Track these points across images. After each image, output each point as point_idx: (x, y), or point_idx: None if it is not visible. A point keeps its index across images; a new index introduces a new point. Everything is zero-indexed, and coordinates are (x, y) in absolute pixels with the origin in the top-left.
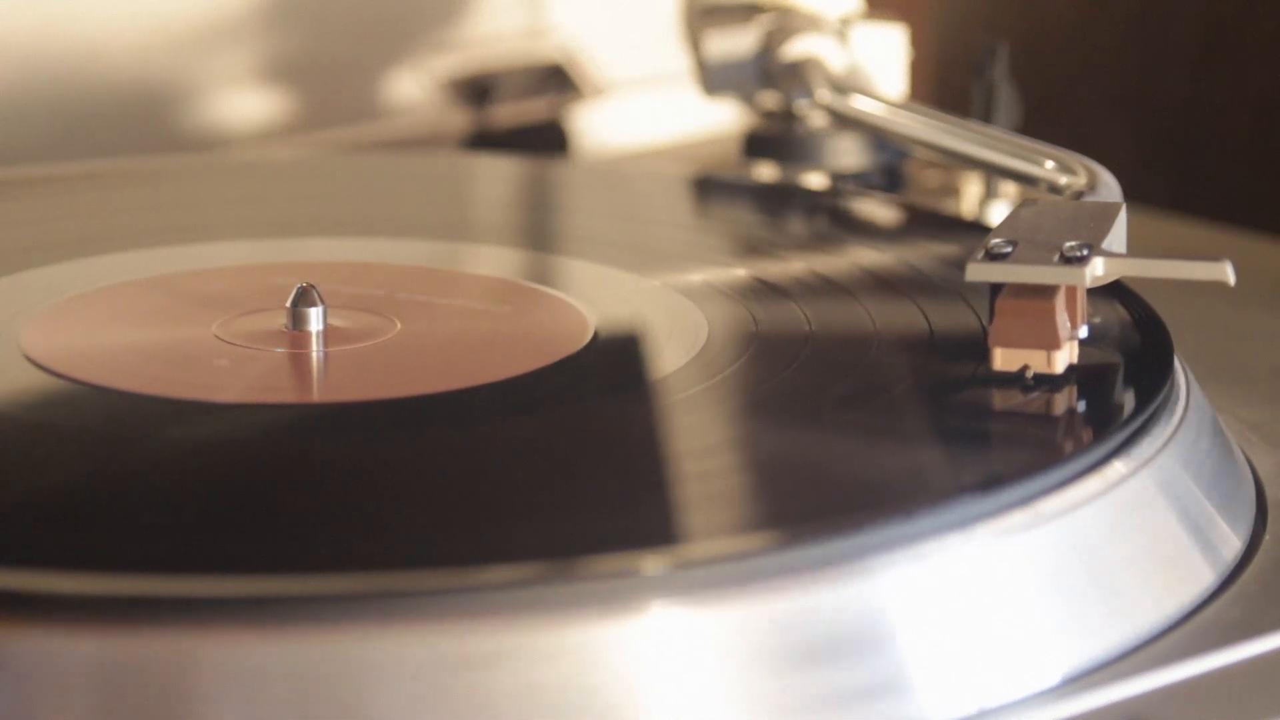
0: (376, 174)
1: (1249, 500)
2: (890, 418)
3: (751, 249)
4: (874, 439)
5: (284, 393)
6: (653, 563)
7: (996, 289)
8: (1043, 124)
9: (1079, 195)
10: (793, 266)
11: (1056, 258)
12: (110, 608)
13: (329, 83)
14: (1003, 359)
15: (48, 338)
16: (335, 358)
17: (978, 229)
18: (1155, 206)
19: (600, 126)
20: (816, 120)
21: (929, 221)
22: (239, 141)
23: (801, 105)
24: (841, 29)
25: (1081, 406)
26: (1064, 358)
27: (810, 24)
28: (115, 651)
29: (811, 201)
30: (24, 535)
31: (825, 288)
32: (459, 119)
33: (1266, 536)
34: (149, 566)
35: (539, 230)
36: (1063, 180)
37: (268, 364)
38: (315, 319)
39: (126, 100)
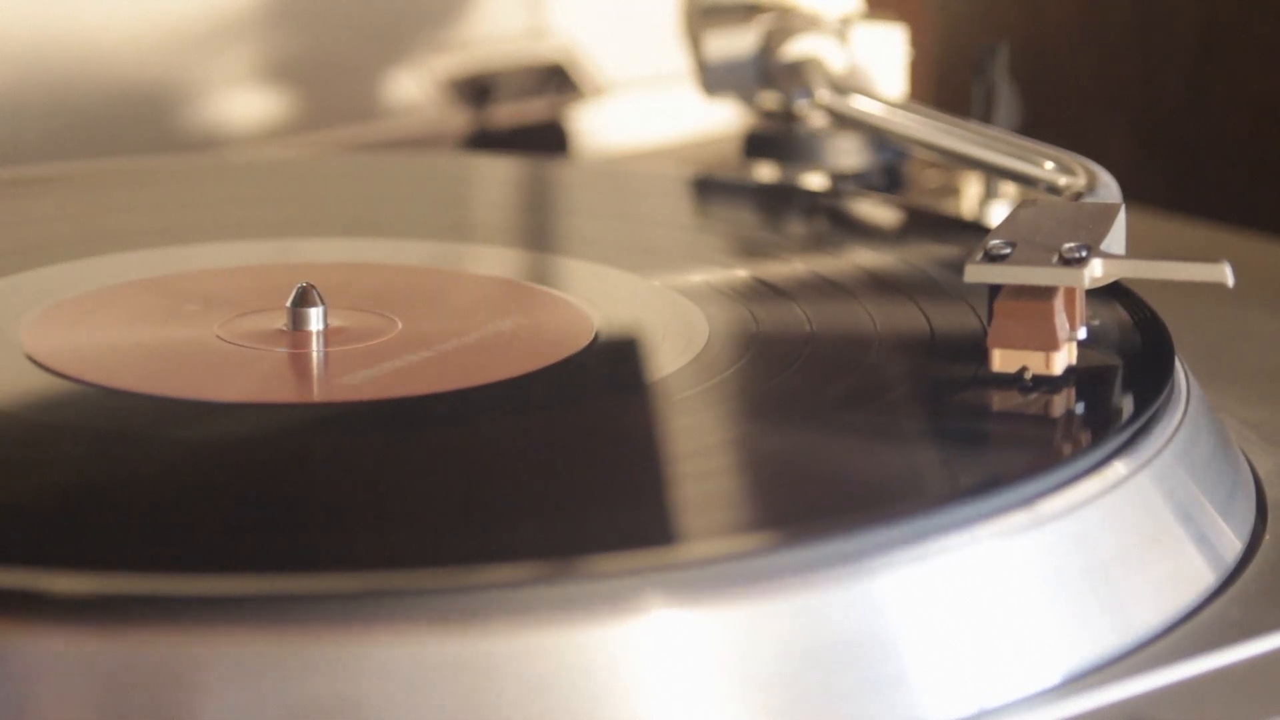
0: (376, 174)
1: (1249, 500)
2: (890, 418)
3: (751, 249)
4: (874, 440)
5: (284, 393)
6: (653, 563)
7: (995, 290)
8: (1043, 124)
9: (1078, 196)
10: (793, 267)
11: (1055, 259)
12: (110, 608)
13: (329, 83)
14: (1001, 360)
15: (48, 338)
16: (335, 358)
17: (977, 229)
18: (1155, 206)
19: (600, 126)
20: (816, 120)
21: (929, 221)
22: (239, 141)
23: (801, 105)
24: (841, 29)
25: (1081, 407)
26: (1062, 359)
27: (810, 24)
28: (115, 651)
29: (811, 201)
30: (24, 535)
31: (825, 288)
32: (459, 119)
33: (1266, 536)
34: (149, 566)
35: (539, 230)
36: (1062, 181)
37: (268, 364)
38: (315, 319)
39: (126, 100)
